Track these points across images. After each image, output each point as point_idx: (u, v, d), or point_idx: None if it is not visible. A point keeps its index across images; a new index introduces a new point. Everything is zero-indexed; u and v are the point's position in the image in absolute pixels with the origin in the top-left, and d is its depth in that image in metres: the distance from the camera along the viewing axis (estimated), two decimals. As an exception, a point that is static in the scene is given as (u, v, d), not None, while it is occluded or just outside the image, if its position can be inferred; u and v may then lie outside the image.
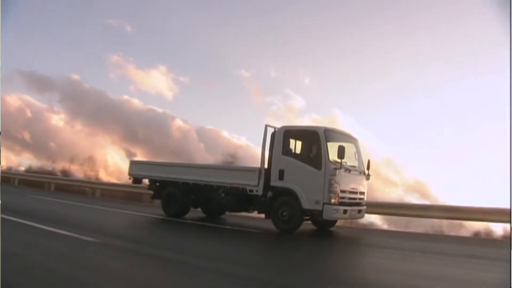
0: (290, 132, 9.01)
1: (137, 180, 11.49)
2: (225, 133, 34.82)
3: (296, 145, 9.16)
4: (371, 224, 11.82)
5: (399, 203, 12.31)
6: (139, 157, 32.45)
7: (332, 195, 8.11)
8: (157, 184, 10.95)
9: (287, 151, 8.85)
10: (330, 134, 8.65)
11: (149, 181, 11.33)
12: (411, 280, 4.92)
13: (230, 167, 9.92)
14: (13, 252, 4.82)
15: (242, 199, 9.27)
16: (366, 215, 12.12)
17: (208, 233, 8.76)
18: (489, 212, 9.76)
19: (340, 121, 28.96)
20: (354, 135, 9.75)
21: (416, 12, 33.76)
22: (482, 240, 10.06)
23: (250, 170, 9.19)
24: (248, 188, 9.04)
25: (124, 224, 9.82)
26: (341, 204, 8.35)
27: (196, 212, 11.11)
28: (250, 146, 32.13)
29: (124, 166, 32.79)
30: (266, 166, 9.04)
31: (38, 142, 33.09)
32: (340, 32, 39.12)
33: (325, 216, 8.19)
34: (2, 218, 6.62)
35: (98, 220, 9.86)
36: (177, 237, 8.07)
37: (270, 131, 9.18)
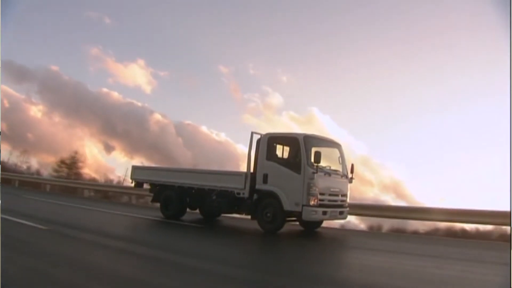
0: (273, 139, 9.62)
1: (139, 184, 12.32)
2: (203, 129, 34.97)
3: (279, 151, 9.75)
4: (360, 225, 12.25)
5: (389, 205, 12.67)
6: (118, 150, 32.71)
7: (311, 197, 8.65)
8: (157, 187, 11.73)
9: (270, 156, 9.45)
10: (310, 140, 9.20)
11: (150, 185, 12.13)
12: (394, 281, 5.07)
13: (220, 171, 10.59)
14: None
15: (231, 201, 9.87)
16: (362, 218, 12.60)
17: (204, 234, 9.38)
18: (484, 214, 9.89)
19: (317, 120, 29.24)
20: (337, 140, 10.29)
21: (398, 11, 33.95)
22: (472, 242, 10.25)
23: (238, 174, 9.83)
24: (236, 191, 9.66)
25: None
26: (321, 206, 8.87)
27: (192, 214, 11.82)
28: (229, 142, 32.47)
29: (102, 158, 33.45)
30: (252, 170, 9.65)
31: (16, 133, 33.24)
32: (318, 32, 39.44)
33: (304, 217, 8.74)
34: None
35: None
36: (172, 238, 8.77)
37: (255, 137, 9.80)
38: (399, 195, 24.22)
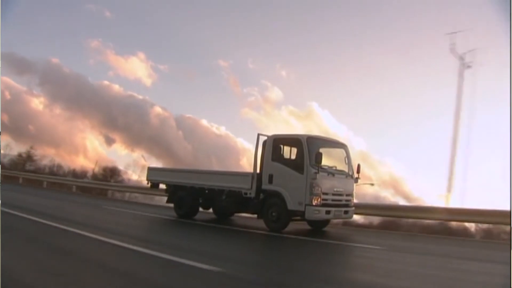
0: (278, 140, 9.90)
1: (154, 184, 12.87)
2: (204, 122, 35.07)
3: (283, 152, 10.00)
4: (364, 224, 12.30)
5: (396, 205, 12.67)
6: (119, 142, 33.20)
7: (313, 197, 8.85)
8: (171, 188, 12.20)
9: (276, 157, 9.71)
10: (313, 141, 9.41)
11: (166, 186, 12.64)
12: (397, 281, 5.07)
13: (228, 172, 11.00)
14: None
15: (239, 201, 10.21)
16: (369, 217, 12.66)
17: (215, 233, 9.70)
18: (485, 214, 9.93)
19: (316, 115, 29.03)
20: (342, 141, 10.44)
21: (400, 9, 33.31)
22: (475, 241, 10.22)
23: (245, 175, 10.16)
24: (243, 191, 9.99)
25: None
26: (324, 205, 9.05)
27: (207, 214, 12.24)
28: (229, 136, 32.56)
29: (103, 151, 34.09)
30: (258, 171, 9.94)
31: (17, 125, 33.63)
32: (318, 27, 39.07)
33: (307, 216, 8.96)
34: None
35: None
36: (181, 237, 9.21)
37: (262, 139, 10.10)
38: (398, 191, 23.88)
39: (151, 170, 13.01)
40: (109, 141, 35.08)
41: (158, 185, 12.95)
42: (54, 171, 28.54)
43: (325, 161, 9.51)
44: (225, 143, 32.85)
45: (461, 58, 18.54)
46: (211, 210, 12.11)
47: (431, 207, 11.16)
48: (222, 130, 34.82)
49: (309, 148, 9.12)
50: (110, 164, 28.65)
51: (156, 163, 34.87)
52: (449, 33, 19.05)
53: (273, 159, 9.69)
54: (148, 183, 12.99)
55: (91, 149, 35.13)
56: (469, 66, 18.50)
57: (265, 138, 10.08)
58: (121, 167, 27.77)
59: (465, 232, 10.63)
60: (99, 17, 41.05)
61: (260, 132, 10.17)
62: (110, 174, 26.85)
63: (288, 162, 9.65)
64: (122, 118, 33.93)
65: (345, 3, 36.30)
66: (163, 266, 5.19)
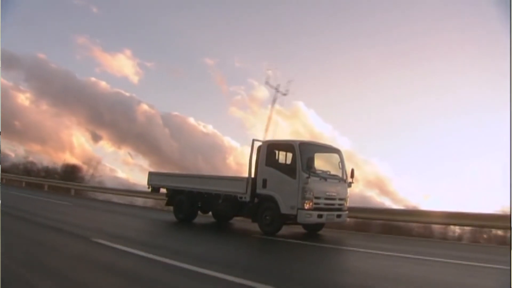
0: (272, 146, 10.18)
1: (154, 189, 13.20)
2: (191, 120, 35.08)
3: (277, 157, 10.25)
4: (359, 227, 12.45)
5: (386, 208, 12.81)
6: (105, 139, 33.07)
7: (305, 201, 9.07)
8: (171, 192, 12.52)
9: (269, 162, 9.97)
10: (305, 146, 9.64)
11: (166, 190, 12.96)
12: (389, 285, 5.07)
13: (224, 177, 11.29)
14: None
15: (235, 205, 10.48)
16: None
17: (210, 236, 9.97)
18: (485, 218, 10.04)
19: (302, 114, 29.18)
20: (335, 146, 10.64)
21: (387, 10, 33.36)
22: (469, 244, 10.32)
23: (240, 179, 10.44)
24: (238, 195, 10.26)
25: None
26: (316, 209, 9.27)
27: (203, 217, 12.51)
28: (216, 134, 32.61)
29: (89, 148, 33.71)
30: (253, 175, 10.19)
31: (3, 121, 32.51)
32: (305, 26, 39.20)
33: (299, 220, 9.17)
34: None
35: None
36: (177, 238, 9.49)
37: (256, 144, 10.37)
38: (383, 191, 23.86)
39: (152, 175, 13.36)
40: (96, 138, 35.39)
41: (158, 189, 13.28)
42: (28, 168, 28.65)
43: (320, 166, 9.75)
44: (212, 141, 33.13)
45: (276, 88, 20.82)
46: (210, 214, 12.43)
47: (426, 211, 11.29)
48: (209, 128, 35.07)
49: (302, 153, 9.34)
50: (71, 162, 28.59)
51: (143, 161, 35.25)
52: (267, 69, 21.22)
53: (267, 164, 9.94)
54: (148, 188, 13.33)
55: (77, 145, 35.38)
56: (284, 94, 20.83)
57: (260, 143, 10.35)
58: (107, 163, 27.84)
59: (456, 235, 10.73)
60: (86, 13, 41.36)
61: (252, 136, 10.68)
62: (71, 171, 26.50)
63: (281, 167, 9.89)
64: (109, 115, 34.21)
65: (335, 4, 36.60)
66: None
